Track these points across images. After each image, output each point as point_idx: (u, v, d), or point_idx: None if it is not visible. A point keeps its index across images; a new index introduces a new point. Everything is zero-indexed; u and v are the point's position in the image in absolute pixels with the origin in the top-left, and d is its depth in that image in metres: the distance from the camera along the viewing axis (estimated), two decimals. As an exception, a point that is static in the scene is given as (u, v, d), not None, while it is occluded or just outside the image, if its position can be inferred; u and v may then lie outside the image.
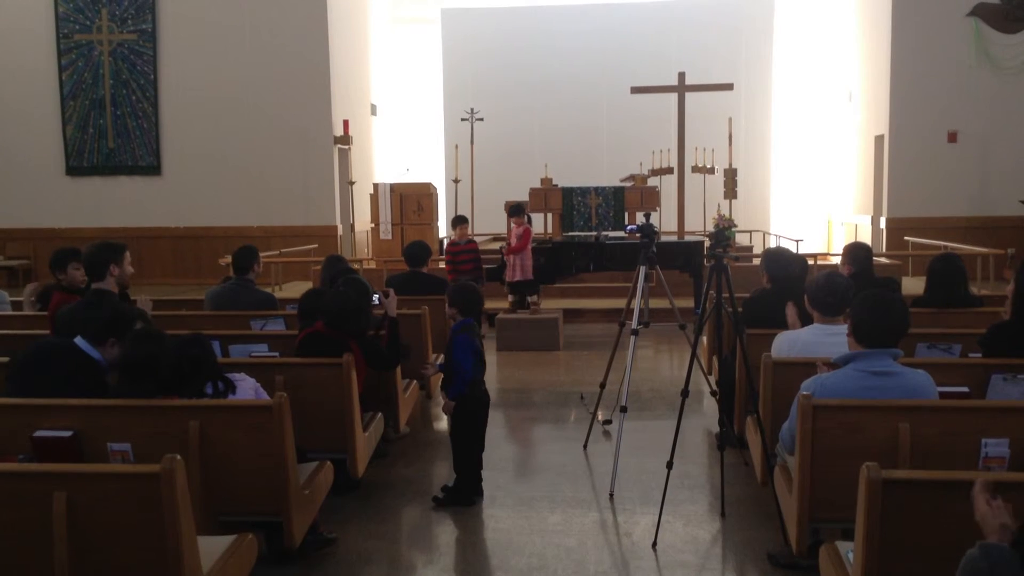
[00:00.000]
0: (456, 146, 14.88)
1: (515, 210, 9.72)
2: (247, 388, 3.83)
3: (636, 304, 5.43)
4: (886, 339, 3.42)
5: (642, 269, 5.51)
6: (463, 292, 4.95)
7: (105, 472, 2.88)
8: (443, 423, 6.22)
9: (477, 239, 11.25)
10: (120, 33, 14.47)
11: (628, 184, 12.91)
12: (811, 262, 11.11)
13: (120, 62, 14.50)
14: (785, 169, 17.87)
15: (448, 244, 9.89)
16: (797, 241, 13.68)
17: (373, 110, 17.11)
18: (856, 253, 5.56)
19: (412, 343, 5.66)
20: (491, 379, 7.84)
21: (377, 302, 5.16)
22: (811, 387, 3.52)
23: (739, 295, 5.09)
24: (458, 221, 9.76)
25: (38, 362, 3.77)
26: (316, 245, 13.44)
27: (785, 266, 5.30)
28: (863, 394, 3.41)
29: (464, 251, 9.49)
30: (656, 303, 8.93)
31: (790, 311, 4.72)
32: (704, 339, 6.52)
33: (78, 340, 3.75)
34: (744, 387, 4.77)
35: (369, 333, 4.97)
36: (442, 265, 10.16)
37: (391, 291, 5.22)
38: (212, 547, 3.08)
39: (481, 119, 14.83)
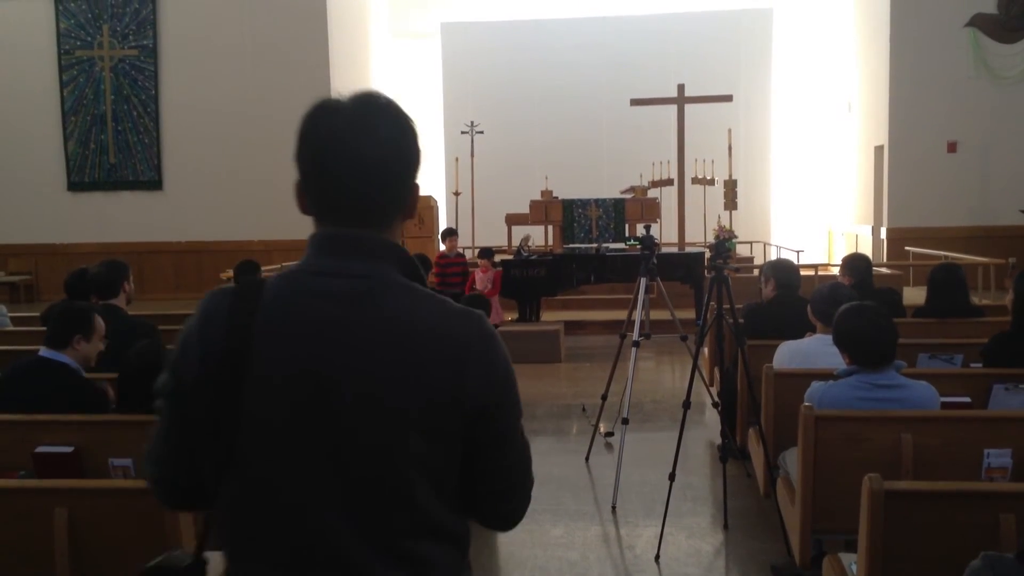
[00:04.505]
0: (456, 159, 14.90)
1: (485, 253, 9.46)
2: None
3: (637, 316, 5.43)
4: (882, 361, 3.42)
5: (643, 281, 5.52)
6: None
7: (106, 488, 2.88)
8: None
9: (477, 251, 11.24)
10: (121, 49, 14.52)
11: (628, 196, 12.93)
12: (812, 273, 11.13)
13: (121, 78, 14.55)
14: (785, 180, 17.89)
15: (437, 256, 9.87)
16: (798, 252, 13.68)
17: (373, 124, 17.13)
18: (855, 264, 5.57)
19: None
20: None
21: None
22: (814, 397, 3.52)
23: (740, 306, 5.10)
24: (448, 234, 9.72)
25: (10, 384, 3.76)
26: (317, 259, 13.43)
27: (792, 274, 5.33)
28: (866, 406, 3.41)
29: (453, 263, 9.47)
30: (657, 314, 8.92)
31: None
32: (705, 350, 6.52)
33: (42, 351, 3.76)
34: (746, 398, 4.76)
35: None
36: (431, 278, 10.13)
37: None
38: (214, 562, 3.06)
39: (481, 132, 14.87)
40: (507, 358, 1.44)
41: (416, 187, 1.48)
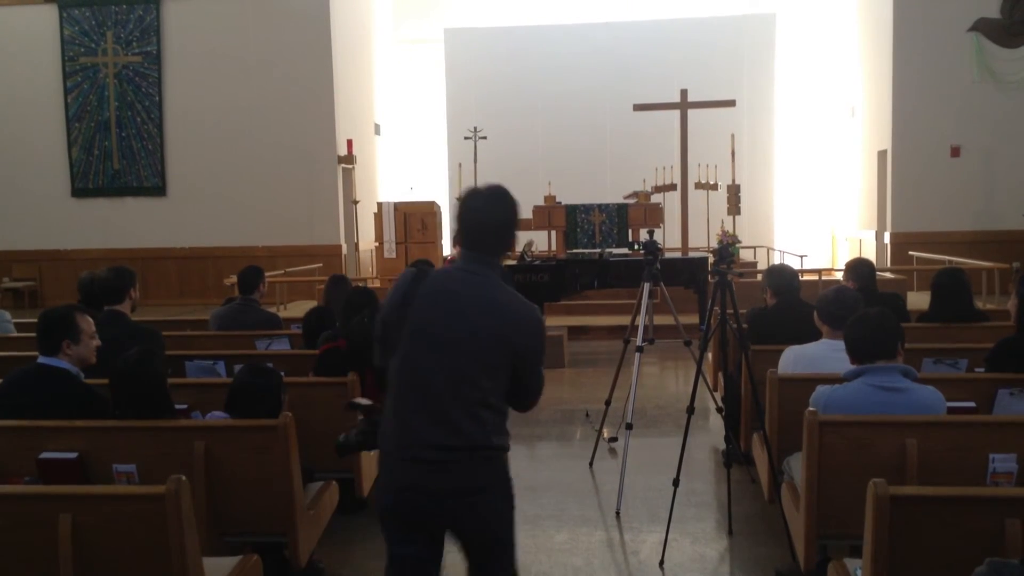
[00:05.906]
0: (459, 165, 14.92)
1: None
2: None
3: (640, 321, 5.42)
4: (875, 353, 3.43)
5: (646, 286, 5.51)
6: None
7: (110, 494, 2.88)
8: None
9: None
10: (125, 56, 14.57)
11: (631, 201, 12.92)
12: (815, 277, 11.13)
13: (125, 84, 14.60)
14: (788, 185, 17.89)
15: (446, 262, 9.89)
16: (801, 256, 13.67)
17: (377, 130, 17.18)
18: (859, 269, 5.56)
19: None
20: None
21: None
22: (819, 401, 3.51)
23: (744, 311, 5.08)
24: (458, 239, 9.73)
25: (11, 390, 3.77)
26: (320, 264, 13.47)
27: (788, 280, 5.31)
28: (872, 409, 3.40)
29: None
30: (660, 319, 8.92)
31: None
32: (709, 355, 6.51)
33: (40, 359, 3.77)
34: (750, 403, 4.76)
35: None
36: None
37: None
38: (218, 568, 3.07)
39: (484, 137, 14.87)
40: (545, 329, 2.67)
41: (515, 236, 2.72)
